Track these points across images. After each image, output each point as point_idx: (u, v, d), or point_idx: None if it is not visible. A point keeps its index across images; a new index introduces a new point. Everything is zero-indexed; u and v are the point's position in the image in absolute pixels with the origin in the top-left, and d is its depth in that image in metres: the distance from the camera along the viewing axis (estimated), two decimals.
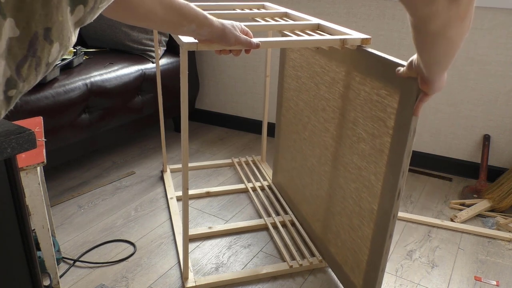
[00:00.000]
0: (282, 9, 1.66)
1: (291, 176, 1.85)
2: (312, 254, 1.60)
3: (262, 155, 2.28)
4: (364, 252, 1.29)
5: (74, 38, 0.55)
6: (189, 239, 1.68)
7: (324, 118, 1.50)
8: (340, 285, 1.48)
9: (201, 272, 1.52)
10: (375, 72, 1.19)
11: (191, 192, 1.98)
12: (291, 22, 1.40)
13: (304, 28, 1.39)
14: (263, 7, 1.78)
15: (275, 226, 1.76)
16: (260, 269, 1.51)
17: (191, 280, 1.46)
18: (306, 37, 1.25)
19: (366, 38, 1.23)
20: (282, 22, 1.42)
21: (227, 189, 2.02)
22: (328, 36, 1.26)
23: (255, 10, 1.69)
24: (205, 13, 1.04)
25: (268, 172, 2.17)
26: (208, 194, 1.99)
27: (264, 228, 1.76)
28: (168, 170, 2.18)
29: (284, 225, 1.78)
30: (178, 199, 1.94)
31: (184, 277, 1.46)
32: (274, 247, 1.65)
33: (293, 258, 1.58)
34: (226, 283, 1.47)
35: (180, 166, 2.22)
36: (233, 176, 2.18)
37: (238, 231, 1.74)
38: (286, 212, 1.85)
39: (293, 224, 1.77)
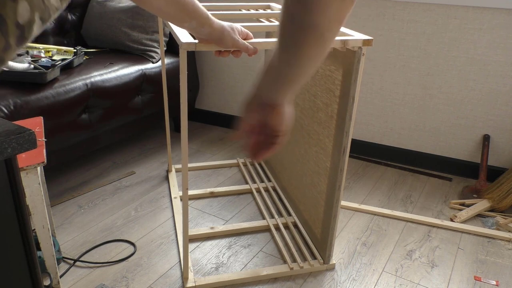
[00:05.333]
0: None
1: (284, 166, 1.91)
2: (314, 257, 1.59)
3: None
4: (321, 204, 1.54)
5: (54, 1, 0.51)
6: (189, 239, 1.68)
7: (297, 97, 1.71)
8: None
9: (201, 272, 1.52)
10: (333, 60, 1.40)
11: (195, 192, 1.98)
12: None
13: None
14: (269, 7, 1.78)
15: (277, 228, 1.76)
16: (260, 270, 1.51)
17: (191, 280, 1.46)
18: None
19: (368, 39, 1.23)
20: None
21: (231, 190, 2.02)
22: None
23: (261, 11, 1.69)
24: (208, 13, 1.04)
25: (272, 172, 2.17)
26: (212, 194, 2.00)
27: (266, 229, 1.76)
28: (173, 170, 2.19)
29: (286, 226, 1.78)
30: (182, 198, 1.95)
31: (184, 277, 1.46)
32: (274, 247, 1.66)
33: (294, 260, 1.59)
34: (226, 283, 1.47)
35: (190, 165, 2.25)
36: (234, 176, 2.18)
37: (239, 232, 1.74)
38: (289, 214, 1.85)
39: (295, 225, 1.77)
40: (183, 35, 1.21)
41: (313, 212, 1.62)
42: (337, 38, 1.22)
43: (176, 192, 1.98)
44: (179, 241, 1.67)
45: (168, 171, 2.19)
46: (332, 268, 1.56)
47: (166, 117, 2.08)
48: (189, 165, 2.24)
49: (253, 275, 1.49)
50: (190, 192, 1.98)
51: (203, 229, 1.72)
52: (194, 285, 1.44)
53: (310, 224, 1.67)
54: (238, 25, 1.14)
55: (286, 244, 1.66)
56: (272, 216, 1.83)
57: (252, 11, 1.66)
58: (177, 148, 2.46)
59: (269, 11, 1.70)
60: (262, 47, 1.16)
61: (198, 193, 1.99)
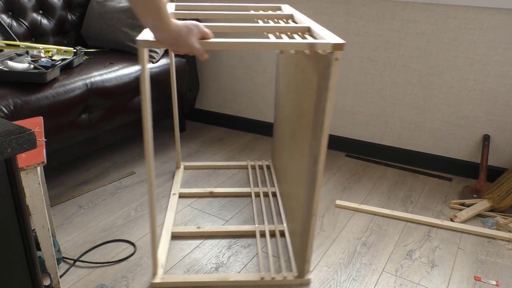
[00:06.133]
0: (289, 12, 1.63)
1: (286, 172, 1.88)
2: (290, 269, 1.53)
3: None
4: (300, 214, 1.48)
5: None
6: (174, 236, 1.68)
7: (298, 109, 1.68)
8: None
9: (201, 271, 1.52)
10: (312, 64, 1.34)
11: (196, 190, 1.99)
12: (282, 24, 1.37)
13: (294, 31, 1.36)
14: (280, 9, 1.75)
15: (262, 234, 1.71)
16: (229, 275, 1.47)
17: (159, 277, 1.47)
18: (268, 40, 1.16)
19: (338, 44, 1.12)
20: (280, 24, 1.40)
21: (231, 191, 2.01)
22: (294, 40, 1.17)
23: (270, 12, 1.64)
24: (169, 14, 1.03)
25: (277, 177, 2.16)
26: (211, 194, 2.00)
27: (252, 235, 1.72)
28: (182, 167, 2.22)
29: (273, 234, 1.73)
30: (181, 195, 1.97)
31: (153, 272, 1.47)
32: (274, 248, 1.65)
33: (269, 269, 1.53)
34: (193, 284, 1.46)
35: (195, 163, 2.27)
36: (232, 177, 2.18)
37: (227, 234, 1.71)
38: (281, 222, 1.82)
39: (282, 234, 1.73)
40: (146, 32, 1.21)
41: (297, 222, 1.56)
42: (304, 41, 1.15)
43: (177, 189, 2.00)
44: (162, 235, 1.67)
45: (176, 168, 2.22)
46: (307, 283, 1.48)
47: (175, 115, 2.07)
48: (199, 163, 2.26)
49: (221, 279, 1.46)
50: (195, 190, 1.98)
51: (190, 228, 1.72)
52: (161, 281, 1.45)
53: (295, 234, 1.62)
54: (198, 25, 1.10)
55: (266, 252, 1.63)
56: (263, 222, 1.79)
57: (261, 12, 1.61)
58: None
59: (278, 12, 1.65)
60: (222, 47, 1.13)
61: (198, 191, 1.99)
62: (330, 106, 1.20)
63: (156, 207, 1.89)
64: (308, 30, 1.37)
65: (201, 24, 1.12)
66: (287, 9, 1.73)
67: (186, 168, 2.24)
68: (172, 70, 1.97)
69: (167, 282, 1.45)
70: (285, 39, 1.25)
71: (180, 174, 2.15)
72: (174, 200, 1.92)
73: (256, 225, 1.75)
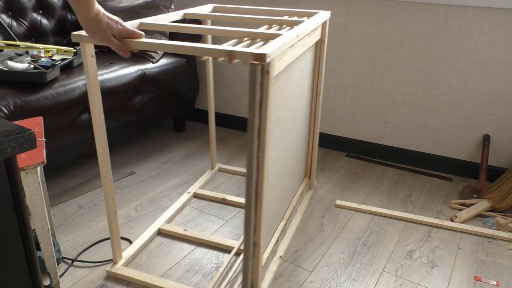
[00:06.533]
0: (322, 19, 1.58)
1: None
2: None
3: (312, 172, 2.04)
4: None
5: None
6: (160, 232, 1.68)
7: None
8: None
9: (201, 271, 1.52)
10: None
11: (210, 193, 1.99)
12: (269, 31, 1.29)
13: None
14: (313, 15, 1.68)
15: (238, 253, 1.63)
16: (175, 285, 1.44)
17: (116, 267, 1.51)
18: (192, 44, 1.08)
19: (260, 54, 0.98)
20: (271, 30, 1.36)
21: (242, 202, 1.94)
22: (213, 46, 1.06)
23: (295, 18, 1.58)
24: (96, 5, 1.08)
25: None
26: (223, 201, 1.95)
27: (228, 250, 1.64)
28: (216, 168, 2.23)
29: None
30: (195, 195, 1.99)
31: (114, 261, 1.52)
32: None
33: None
34: (139, 282, 1.46)
35: (230, 167, 2.24)
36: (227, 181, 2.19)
37: (205, 243, 1.67)
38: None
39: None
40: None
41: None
42: (222, 47, 1.04)
43: (194, 188, 2.03)
44: (148, 228, 1.67)
45: (210, 168, 2.23)
46: None
47: (210, 113, 2.02)
48: (234, 168, 2.24)
49: (165, 285, 1.43)
50: (210, 193, 1.98)
51: (177, 228, 1.72)
52: (115, 271, 1.48)
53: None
54: (121, 22, 1.13)
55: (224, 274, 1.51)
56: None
57: (285, 18, 1.53)
58: (177, 148, 2.46)
59: (305, 18, 1.59)
60: (139, 46, 1.12)
61: (212, 195, 1.99)
62: (267, 128, 1.05)
63: (158, 207, 1.89)
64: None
65: (124, 23, 1.15)
66: (322, 15, 1.63)
67: (220, 169, 2.22)
68: (209, 65, 1.89)
69: (120, 274, 1.48)
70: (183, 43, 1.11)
71: (208, 175, 2.14)
72: (184, 198, 1.93)
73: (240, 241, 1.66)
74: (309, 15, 1.70)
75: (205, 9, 1.76)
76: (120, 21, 1.14)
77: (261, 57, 0.98)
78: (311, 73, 1.78)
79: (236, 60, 1.04)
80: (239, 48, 1.04)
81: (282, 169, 1.50)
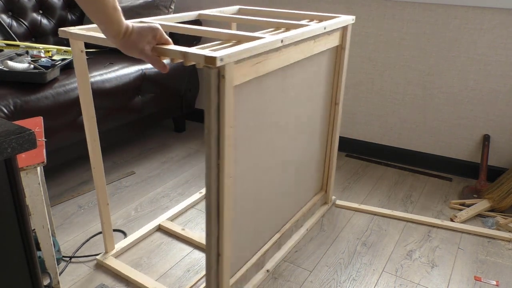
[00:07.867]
0: (342, 24, 1.54)
1: None
2: None
3: (328, 186, 1.92)
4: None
5: None
6: (160, 228, 1.69)
7: None
8: None
9: (201, 272, 1.52)
10: None
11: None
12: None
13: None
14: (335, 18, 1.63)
15: None
16: (153, 284, 1.44)
17: (106, 257, 1.55)
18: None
19: (211, 57, 0.94)
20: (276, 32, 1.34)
21: None
22: (175, 47, 1.04)
23: (314, 22, 1.53)
24: (123, 22, 0.98)
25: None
26: None
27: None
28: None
29: None
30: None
31: (105, 250, 1.56)
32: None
33: None
34: (127, 278, 1.48)
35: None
36: None
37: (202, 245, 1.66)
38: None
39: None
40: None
41: None
42: (178, 48, 1.01)
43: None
44: (149, 223, 1.66)
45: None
46: None
47: None
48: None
49: (152, 286, 1.43)
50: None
51: (176, 227, 1.72)
52: (103, 260, 1.53)
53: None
54: (156, 29, 1.02)
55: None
56: None
57: (304, 22, 1.50)
58: (176, 148, 2.46)
59: (324, 22, 1.51)
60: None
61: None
62: (225, 143, 1.03)
63: (158, 207, 1.89)
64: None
65: (160, 30, 1.04)
66: (340, 20, 1.57)
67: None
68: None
69: (108, 264, 1.51)
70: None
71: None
72: (194, 198, 1.94)
73: None
74: (331, 19, 1.60)
75: (227, 11, 1.76)
76: (155, 25, 1.02)
77: (212, 60, 0.94)
78: (326, 81, 1.66)
79: (192, 63, 1.03)
80: (193, 50, 1.00)
81: (274, 181, 1.45)
